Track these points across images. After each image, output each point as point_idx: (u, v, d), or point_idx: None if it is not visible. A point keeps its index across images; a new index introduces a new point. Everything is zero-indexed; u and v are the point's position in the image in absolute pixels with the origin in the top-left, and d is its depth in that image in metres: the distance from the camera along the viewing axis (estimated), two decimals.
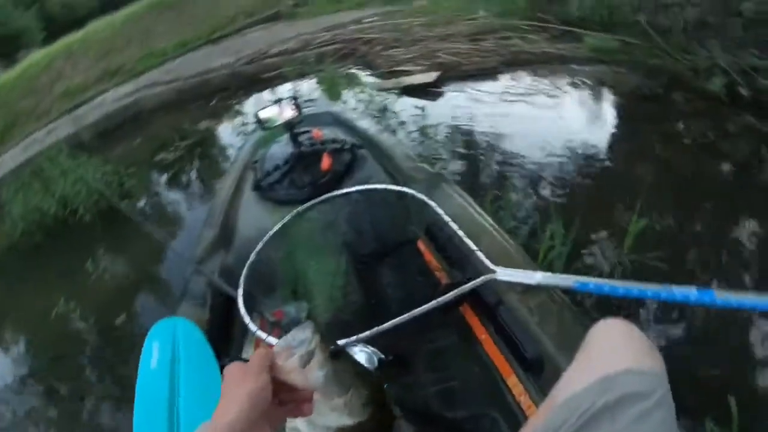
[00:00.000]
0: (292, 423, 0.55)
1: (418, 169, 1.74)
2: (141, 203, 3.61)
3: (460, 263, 1.35)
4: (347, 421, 0.54)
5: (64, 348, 2.41)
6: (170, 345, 1.24)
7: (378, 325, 1.14)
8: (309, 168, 1.78)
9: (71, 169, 3.66)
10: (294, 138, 1.80)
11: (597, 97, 3.32)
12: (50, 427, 2.08)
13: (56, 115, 6.53)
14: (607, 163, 2.63)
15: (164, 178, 3.90)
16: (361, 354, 1.02)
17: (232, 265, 1.62)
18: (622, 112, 3.22)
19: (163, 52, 7.64)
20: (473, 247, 1.26)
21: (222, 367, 1.01)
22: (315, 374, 0.52)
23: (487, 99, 3.56)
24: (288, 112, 1.70)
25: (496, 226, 1.44)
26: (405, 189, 1.56)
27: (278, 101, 1.72)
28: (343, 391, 0.54)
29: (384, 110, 3.39)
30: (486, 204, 2.09)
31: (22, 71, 9.29)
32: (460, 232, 1.32)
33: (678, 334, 1.60)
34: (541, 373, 1.05)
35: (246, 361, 0.49)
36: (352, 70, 4.70)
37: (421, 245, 1.58)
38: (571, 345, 0.83)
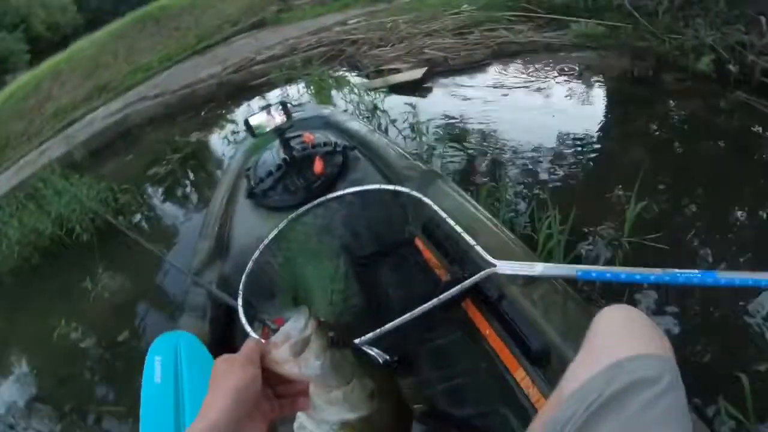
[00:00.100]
0: (298, 420, 0.51)
1: (411, 167, 1.71)
2: (136, 218, 3.59)
3: (460, 259, 1.33)
4: (348, 414, 0.48)
5: (68, 369, 2.40)
6: (173, 359, 1.23)
7: (380, 327, 1.13)
8: (302, 172, 1.76)
9: (65, 188, 3.65)
10: (285, 143, 1.78)
11: (586, 83, 3.32)
12: None
13: (47, 136, 6.54)
14: (601, 147, 2.62)
15: (158, 192, 3.90)
16: None
17: (230, 275, 1.60)
18: (612, 96, 3.22)
19: (148, 66, 7.65)
20: (471, 241, 1.25)
21: None
22: (311, 363, 0.46)
23: (477, 92, 3.56)
24: (278, 118, 1.68)
25: (493, 219, 1.43)
26: (399, 188, 1.54)
27: (267, 107, 1.69)
28: (342, 382, 0.48)
29: (374, 110, 3.38)
30: (481, 198, 2.08)
31: (11, 94, 9.29)
32: (458, 228, 1.30)
33: (683, 318, 1.59)
34: (548, 365, 1.04)
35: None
36: (340, 72, 4.70)
37: (419, 243, 1.56)
38: (576, 334, 0.82)
